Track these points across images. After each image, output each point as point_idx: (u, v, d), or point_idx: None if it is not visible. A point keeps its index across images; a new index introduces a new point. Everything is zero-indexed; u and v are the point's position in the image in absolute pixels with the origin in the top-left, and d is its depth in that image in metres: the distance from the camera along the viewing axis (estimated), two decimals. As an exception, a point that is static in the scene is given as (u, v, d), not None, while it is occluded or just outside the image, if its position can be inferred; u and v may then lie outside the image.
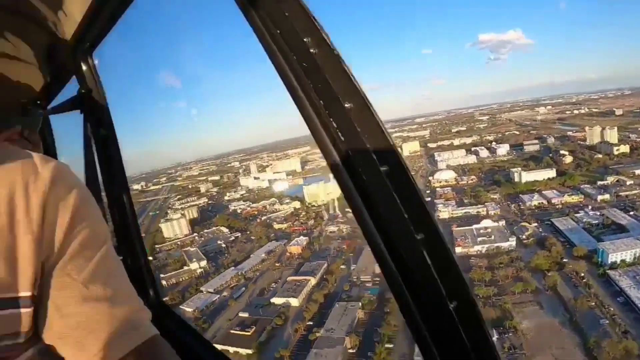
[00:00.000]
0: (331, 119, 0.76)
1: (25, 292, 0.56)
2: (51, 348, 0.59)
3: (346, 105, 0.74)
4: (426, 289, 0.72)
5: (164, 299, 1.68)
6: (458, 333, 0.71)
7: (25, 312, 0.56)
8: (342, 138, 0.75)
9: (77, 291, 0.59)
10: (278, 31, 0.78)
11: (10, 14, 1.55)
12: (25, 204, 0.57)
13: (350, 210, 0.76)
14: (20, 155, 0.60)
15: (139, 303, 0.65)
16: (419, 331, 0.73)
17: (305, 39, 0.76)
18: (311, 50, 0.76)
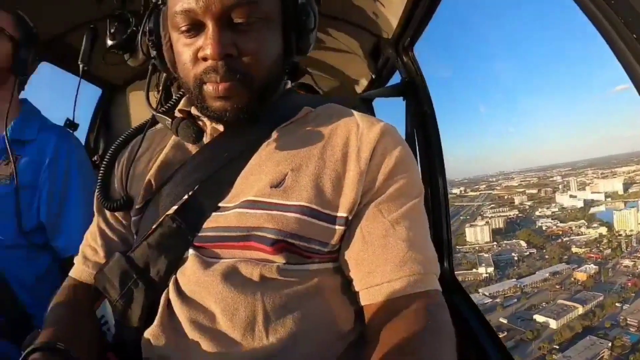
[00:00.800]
0: None
1: (342, 213, 0.67)
2: (344, 266, 0.69)
3: None
4: None
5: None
6: None
7: (339, 229, 0.67)
8: None
9: (383, 227, 0.66)
10: None
11: (340, 21, 1.91)
12: (358, 146, 0.69)
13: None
14: (358, 114, 0.76)
15: (432, 257, 0.68)
16: None
17: None
18: None
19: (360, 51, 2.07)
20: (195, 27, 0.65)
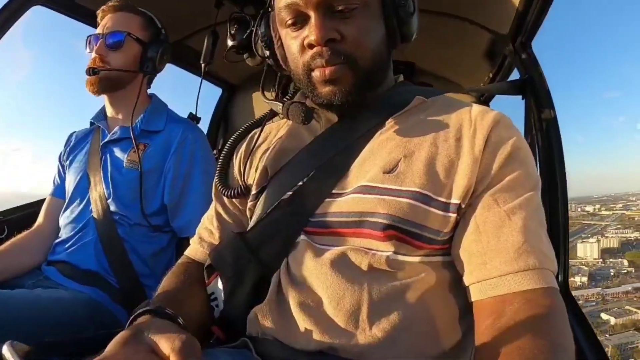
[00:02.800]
0: None
1: (455, 200, 0.64)
2: (455, 258, 0.65)
3: None
4: None
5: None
6: None
7: (452, 216, 0.64)
8: None
9: (498, 217, 0.62)
10: None
11: (455, 18, 1.83)
12: (472, 134, 0.67)
13: None
14: (472, 104, 0.75)
15: (550, 253, 0.62)
16: None
17: None
18: None
19: (476, 49, 1.98)
20: (299, 19, 0.70)
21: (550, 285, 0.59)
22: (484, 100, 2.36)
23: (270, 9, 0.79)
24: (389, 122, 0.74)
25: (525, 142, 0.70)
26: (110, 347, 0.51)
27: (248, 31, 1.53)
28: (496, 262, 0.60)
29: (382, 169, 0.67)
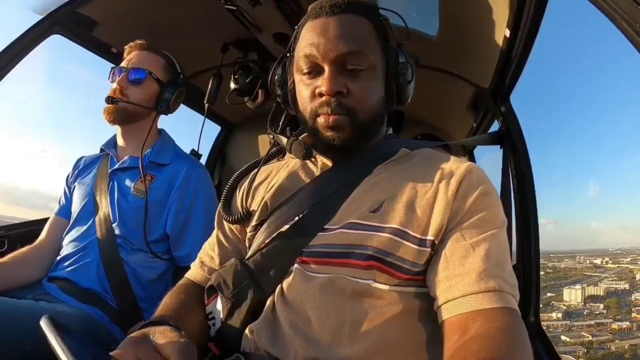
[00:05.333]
0: None
1: (430, 237, 0.74)
2: (429, 286, 0.74)
3: None
4: None
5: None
6: None
7: (426, 251, 0.74)
8: None
9: (464, 248, 0.71)
10: None
11: (439, 72, 2.00)
12: (446, 181, 0.78)
13: None
14: (451, 157, 0.87)
15: (511, 280, 0.70)
16: None
17: None
18: None
19: (461, 100, 2.14)
20: (315, 70, 0.82)
21: (509, 306, 0.67)
22: (469, 149, 2.52)
23: (288, 54, 0.90)
24: (377, 170, 0.86)
25: (493, 189, 0.81)
26: (124, 343, 0.61)
27: (250, 77, 1.67)
28: (460, 285, 0.69)
29: (368, 209, 0.79)
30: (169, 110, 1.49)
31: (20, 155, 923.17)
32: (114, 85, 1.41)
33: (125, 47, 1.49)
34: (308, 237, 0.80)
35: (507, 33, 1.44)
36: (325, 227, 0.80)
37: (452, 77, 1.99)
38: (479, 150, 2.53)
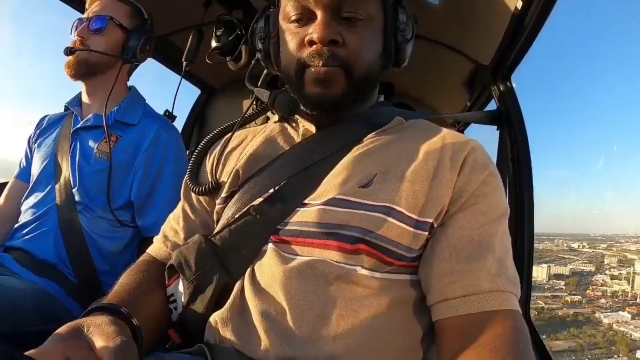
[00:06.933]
0: None
1: (428, 219, 0.65)
2: (423, 276, 0.66)
3: None
4: None
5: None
6: None
7: (422, 234, 0.65)
8: None
9: (468, 240, 0.64)
10: None
11: (439, 45, 1.88)
12: (449, 156, 0.69)
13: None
14: (449, 130, 0.78)
15: (515, 278, 0.64)
16: None
17: None
18: None
19: (457, 76, 2.04)
20: (305, 16, 0.71)
21: (512, 308, 0.61)
22: (459, 128, 2.43)
23: (272, 7, 0.80)
24: (367, 139, 0.75)
25: (497, 172, 0.72)
26: (50, 341, 0.50)
27: (234, 35, 1.52)
28: (462, 283, 0.61)
29: (357, 183, 0.67)
30: (136, 59, 1.35)
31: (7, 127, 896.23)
32: (74, 37, 1.28)
33: None
34: (284, 212, 0.69)
35: (519, 5, 1.33)
36: (306, 201, 0.69)
37: (449, 50, 1.87)
38: (469, 132, 2.44)
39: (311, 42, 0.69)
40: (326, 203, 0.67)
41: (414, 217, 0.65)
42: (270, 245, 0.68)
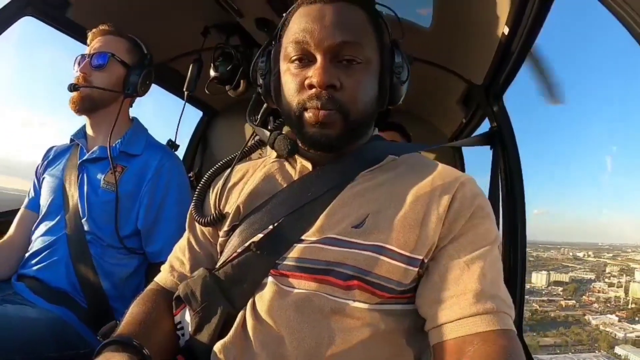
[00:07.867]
0: None
1: (418, 255, 0.68)
2: (420, 307, 0.69)
3: None
4: None
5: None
6: None
7: (413, 270, 0.68)
8: None
9: (458, 267, 0.67)
10: None
11: (434, 66, 1.92)
12: (438, 194, 0.72)
13: None
14: (440, 165, 0.81)
15: (507, 298, 0.67)
16: None
17: None
18: None
19: (452, 95, 2.08)
20: (305, 59, 0.74)
21: (507, 327, 0.63)
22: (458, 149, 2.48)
23: (274, 43, 0.83)
24: (360, 177, 0.78)
25: (487, 201, 0.76)
26: None
27: (231, 65, 1.58)
28: (456, 307, 0.64)
29: (350, 223, 0.71)
30: (137, 93, 1.41)
31: (17, 128, 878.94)
32: (77, 73, 1.34)
33: (88, 33, 1.41)
34: (283, 248, 0.73)
35: (506, 30, 1.38)
36: (303, 237, 0.73)
37: (443, 71, 1.92)
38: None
39: (311, 86, 0.72)
40: (322, 242, 0.71)
41: (406, 254, 0.69)
42: (270, 278, 0.72)
